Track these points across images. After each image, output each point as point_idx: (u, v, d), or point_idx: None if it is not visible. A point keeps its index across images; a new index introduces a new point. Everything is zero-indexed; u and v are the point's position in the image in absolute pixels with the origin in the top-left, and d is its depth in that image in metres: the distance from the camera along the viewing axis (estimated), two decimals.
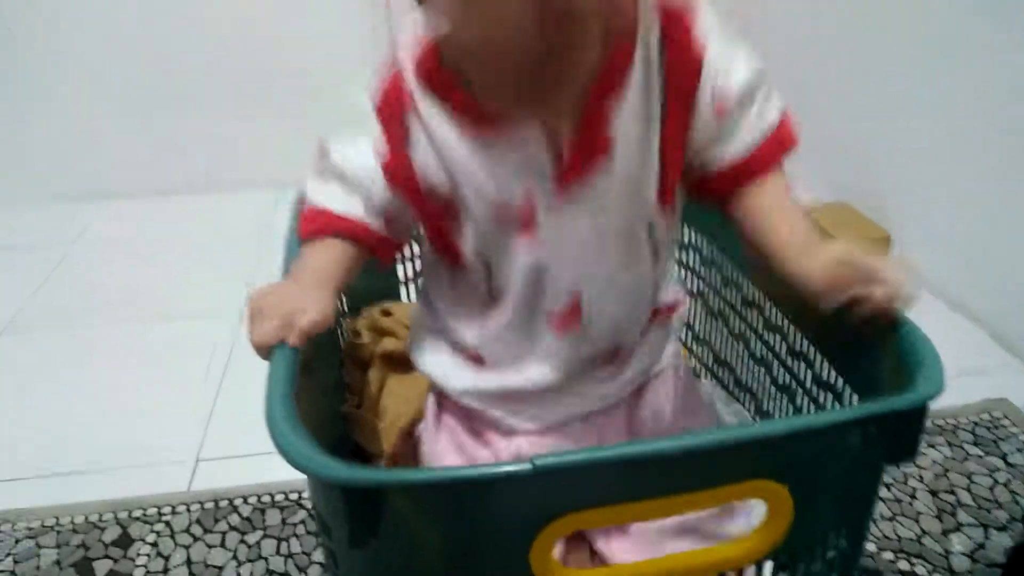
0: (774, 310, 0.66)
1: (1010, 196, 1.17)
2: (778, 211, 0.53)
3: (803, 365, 0.62)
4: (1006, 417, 1.04)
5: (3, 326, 1.35)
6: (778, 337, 0.66)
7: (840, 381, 0.56)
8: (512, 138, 0.49)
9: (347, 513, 0.37)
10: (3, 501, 0.95)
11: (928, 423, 1.03)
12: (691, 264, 0.80)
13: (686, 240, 0.80)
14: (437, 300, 0.61)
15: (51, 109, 1.80)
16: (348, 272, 0.56)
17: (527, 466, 0.35)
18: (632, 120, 0.49)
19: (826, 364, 0.58)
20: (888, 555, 0.84)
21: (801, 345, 0.62)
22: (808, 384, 0.61)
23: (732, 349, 0.77)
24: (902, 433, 0.41)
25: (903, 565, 0.82)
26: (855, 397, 0.53)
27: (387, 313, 0.94)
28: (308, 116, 1.80)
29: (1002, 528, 0.87)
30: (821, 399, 0.59)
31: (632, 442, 0.38)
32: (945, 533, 0.87)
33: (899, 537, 0.86)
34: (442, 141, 0.51)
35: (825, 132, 1.63)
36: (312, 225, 0.57)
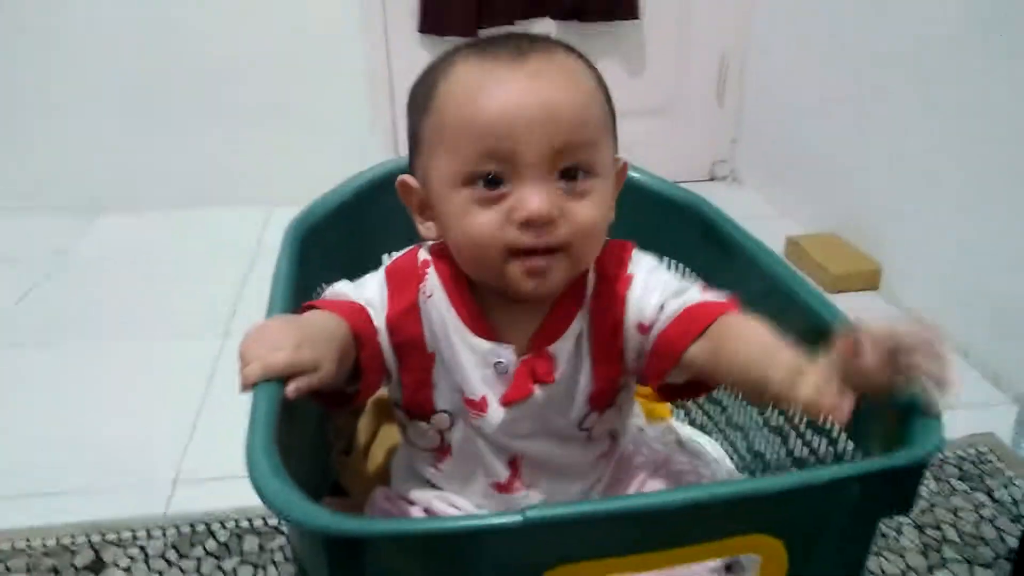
0: None
1: (999, 230, 1.17)
2: (730, 351, 0.53)
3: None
4: (992, 452, 1.04)
5: None
6: None
7: (834, 424, 0.55)
8: (490, 348, 0.58)
9: (328, 561, 0.35)
10: None
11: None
12: None
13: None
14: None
15: (40, 122, 1.79)
16: (338, 347, 0.54)
17: (517, 518, 0.33)
18: (571, 352, 0.59)
19: None
20: None
21: None
22: (802, 427, 0.60)
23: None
24: (900, 487, 0.40)
25: None
26: (849, 441, 0.52)
27: None
28: (298, 137, 1.82)
29: (987, 565, 0.86)
30: (815, 443, 0.58)
31: (625, 496, 0.37)
32: (931, 569, 0.86)
33: (884, 572, 0.86)
34: (437, 315, 0.59)
35: (815, 164, 1.65)
36: (317, 302, 0.59)
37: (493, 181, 0.52)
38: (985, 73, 1.17)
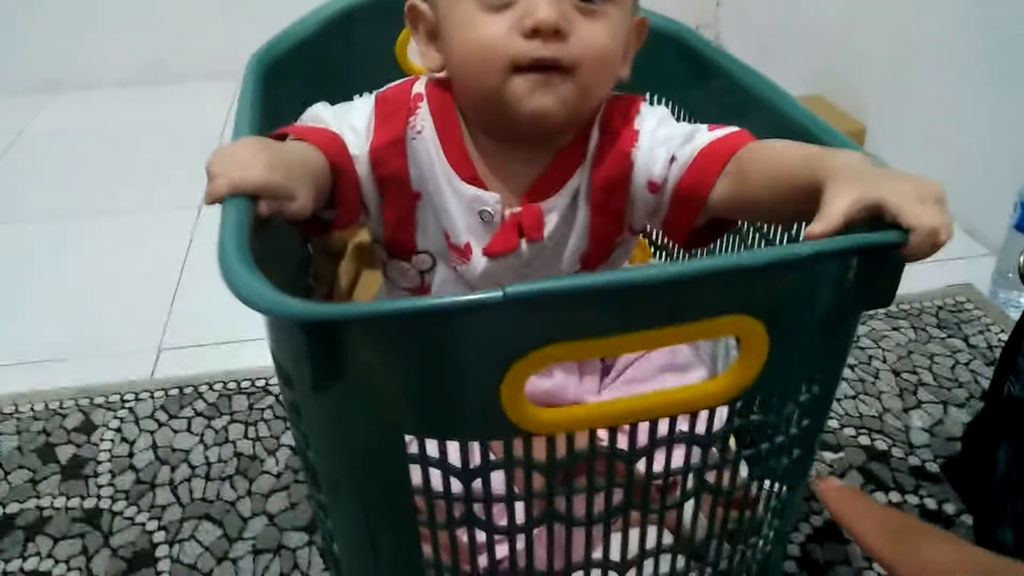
0: None
1: (983, 90, 1.16)
2: (758, 175, 0.50)
3: (779, 229, 0.61)
4: (969, 301, 1.06)
5: None
6: None
7: None
8: (475, 195, 0.56)
9: (308, 353, 0.35)
10: None
11: (893, 308, 1.04)
12: None
13: None
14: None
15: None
16: (313, 177, 0.51)
17: (498, 294, 0.33)
18: (564, 211, 0.57)
19: (804, 226, 0.57)
20: (850, 431, 0.86)
21: None
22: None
23: None
24: (882, 274, 0.39)
25: (863, 440, 0.84)
26: None
27: None
28: (263, 6, 1.73)
29: (961, 405, 0.89)
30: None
31: (607, 272, 0.36)
32: (906, 410, 0.89)
33: (861, 414, 0.88)
34: (425, 153, 0.57)
35: (800, 25, 1.61)
36: (290, 128, 0.56)
37: None
38: None
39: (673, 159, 0.54)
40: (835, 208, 0.38)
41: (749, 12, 1.82)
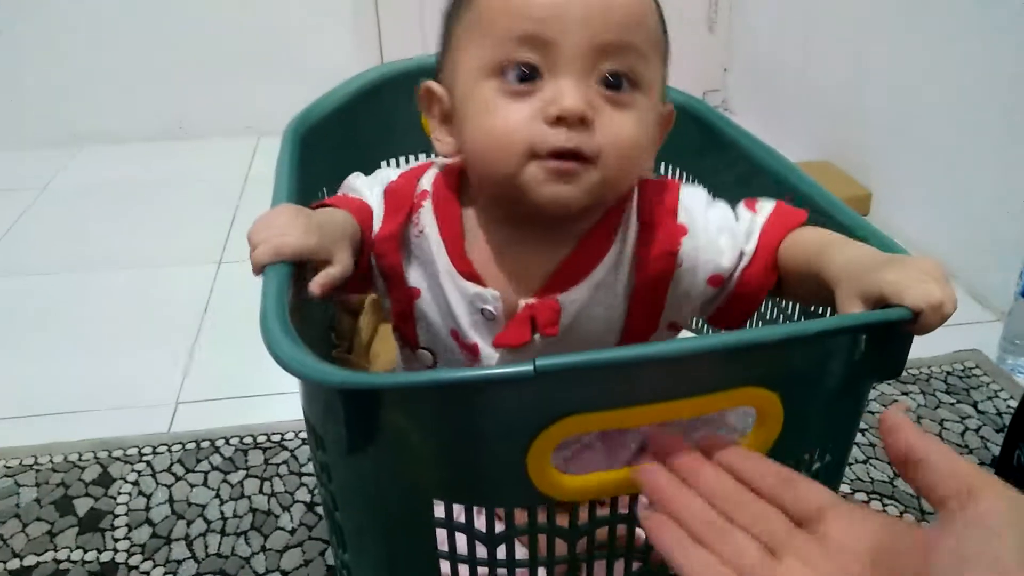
0: None
1: (987, 154, 1.19)
2: (815, 254, 0.49)
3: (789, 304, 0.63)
4: (978, 367, 1.07)
5: None
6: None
7: (828, 312, 0.57)
8: (474, 293, 0.54)
9: (344, 418, 0.37)
10: None
11: (903, 373, 1.05)
12: None
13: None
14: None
15: (26, 55, 1.75)
16: (350, 240, 0.53)
17: (528, 368, 0.35)
18: (583, 296, 0.54)
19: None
20: (861, 496, 0.86)
21: None
22: (796, 318, 0.62)
23: None
24: (890, 347, 0.41)
25: (875, 505, 0.85)
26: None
27: None
28: (282, 64, 1.80)
29: None
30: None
31: (630, 346, 0.38)
32: None
33: (872, 479, 0.89)
34: (427, 252, 0.56)
35: (807, 93, 1.65)
36: (327, 200, 0.58)
37: (527, 74, 0.47)
38: (979, 3, 1.17)
39: (741, 254, 0.54)
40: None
41: (757, 78, 1.87)
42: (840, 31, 1.50)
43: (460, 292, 0.55)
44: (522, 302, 0.54)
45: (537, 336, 0.53)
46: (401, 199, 0.57)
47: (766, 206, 0.55)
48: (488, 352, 0.55)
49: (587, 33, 0.47)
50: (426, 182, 0.58)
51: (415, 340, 0.60)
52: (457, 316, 0.55)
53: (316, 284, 0.47)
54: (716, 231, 0.54)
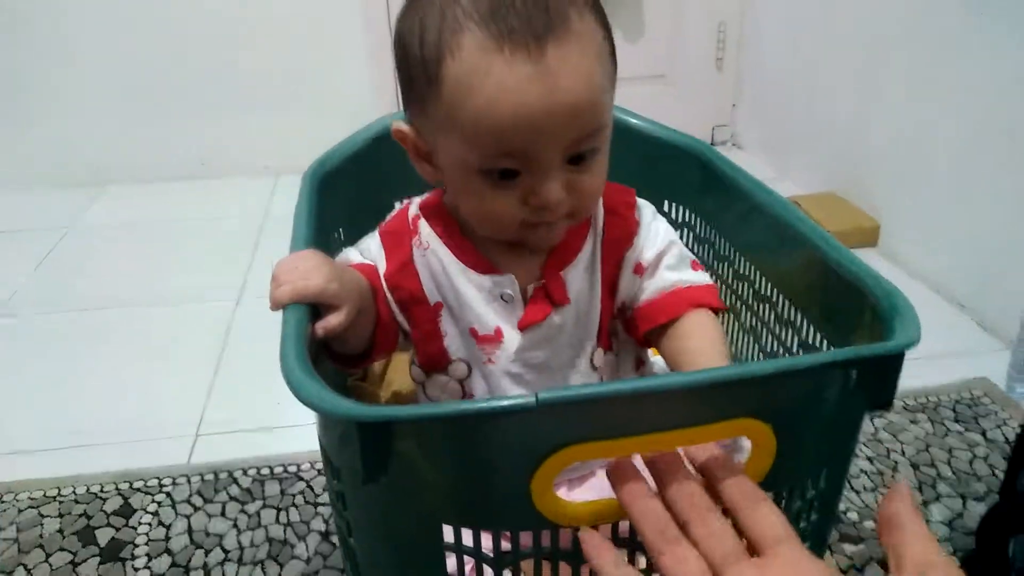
0: (763, 280, 0.68)
1: (995, 186, 1.20)
2: (688, 352, 0.59)
3: (790, 331, 0.65)
4: (986, 395, 1.08)
5: (0, 307, 1.37)
6: (767, 307, 0.68)
7: (825, 344, 0.59)
8: (492, 281, 0.60)
9: (359, 450, 0.39)
10: (5, 473, 0.97)
11: (911, 401, 1.06)
12: (686, 242, 0.82)
13: (681, 219, 0.83)
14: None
15: (49, 96, 1.82)
16: (360, 296, 0.57)
17: (531, 400, 0.37)
18: (582, 277, 0.62)
19: (811, 329, 0.61)
20: (870, 523, 0.87)
21: (788, 313, 0.65)
22: (795, 349, 0.64)
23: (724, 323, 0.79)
24: (881, 379, 0.43)
25: None
26: (825, 342, 0.57)
27: None
28: (301, 104, 1.85)
29: (980, 499, 0.90)
30: (788, 343, 0.64)
31: (630, 380, 0.41)
32: (925, 504, 0.90)
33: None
34: (437, 263, 0.61)
35: (814, 127, 1.67)
36: None
37: (509, 174, 0.53)
38: (984, 35, 1.19)
39: (660, 260, 0.63)
40: None
41: (765, 113, 1.90)
42: (847, 65, 1.53)
43: (477, 286, 0.60)
44: (530, 287, 0.61)
45: (553, 310, 0.60)
46: (399, 233, 0.63)
47: (703, 275, 0.63)
48: (511, 335, 0.61)
49: (561, 140, 0.52)
50: (414, 210, 0.64)
51: (446, 356, 0.63)
52: (476, 309, 0.60)
53: (320, 327, 0.51)
54: (656, 231, 0.64)
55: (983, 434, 1.01)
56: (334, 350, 0.59)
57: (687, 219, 0.82)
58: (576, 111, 0.50)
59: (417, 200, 0.65)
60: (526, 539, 0.43)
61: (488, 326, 0.61)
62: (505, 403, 0.37)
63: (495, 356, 0.62)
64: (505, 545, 0.43)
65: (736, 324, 0.76)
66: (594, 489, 0.62)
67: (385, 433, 0.39)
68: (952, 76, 1.26)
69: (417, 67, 0.52)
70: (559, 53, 0.49)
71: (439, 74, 0.50)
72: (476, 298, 0.61)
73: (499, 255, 0.61)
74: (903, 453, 0.98)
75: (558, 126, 0.50)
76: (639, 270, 0.63)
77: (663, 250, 0.63)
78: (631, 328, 0.64)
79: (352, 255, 0.63)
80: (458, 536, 0.43)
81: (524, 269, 0.61)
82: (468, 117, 0.50)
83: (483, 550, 0.43)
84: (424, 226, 0.62)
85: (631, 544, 0.43)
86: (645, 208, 0.65)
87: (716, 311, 0.62)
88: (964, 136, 1.25)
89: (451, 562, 0.44)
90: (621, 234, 0.63)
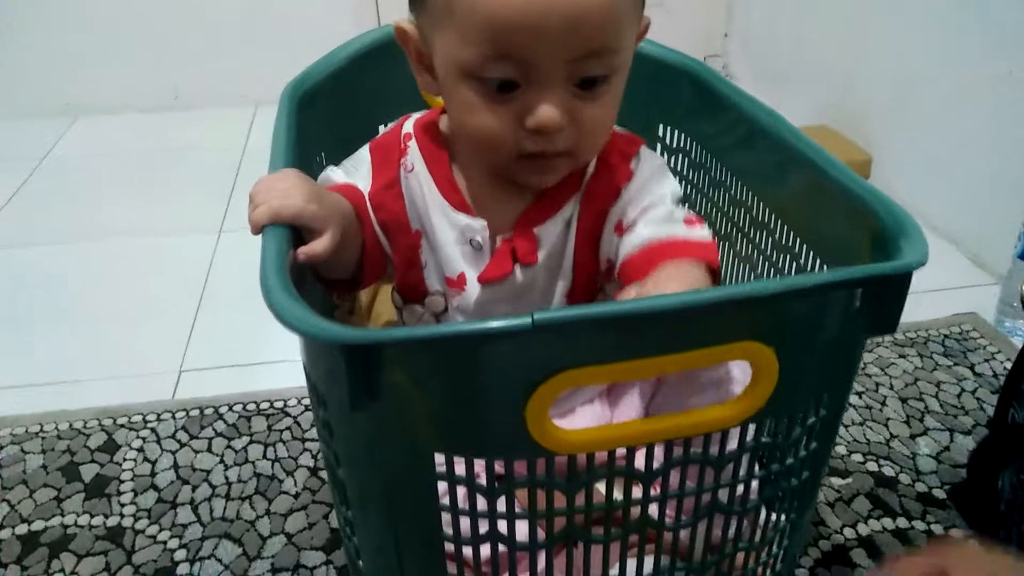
0: (762, 207, 0.66)
1: (989, 120, 1.18)
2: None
3: (788, 258, 0.63)
4: (975, 330, 1.08)
5: None
6: (764, 233, 0.66)
7: (826, 269, 0.57)
8: (464, 223, 0.57)
9: (345, 375, 0.37)
10: None
11: (900, 336, 1.06)
12: (680, 168, 0.80)
13: (675, 144, 0.80)
14: None
15: (24, 25, 1.74)
16: (343, 219, 0.54)
17: (527, 320, 0.35)
18: (558, 233, 0.58)
19: (811, 254, 0.59)
20: (858, 457, 0.87)
21: (787, 239, 0.63)
22: (768, 251, 0.62)
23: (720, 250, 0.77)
24: (885, 301, 0.41)
25: (871, 466, 0.86)
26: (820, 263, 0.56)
27: None
28: (280, 33, 1.78)
29: (967, 432, 0.91)
30: (783, 267, 0.62)
31: (626, 301, 0.39)
32: (913, 437, 0.90)
33: (868, 441, 0.90)
34: (418, 188, 0.58)
35: (806, 56, 1.64)
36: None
37: (506, 86, 0.48)
38: None
39: (643, 216, 0.54)
40: None
41: (756, 44, 1.86)
42: None
43: (451, 223, 0.57)
44: (499, 238, 0.57)
45: (517, 267, 0.57)
46: (388, 149, 0.60)
47: (698, 231, 0.54)
48: (473, 284, 0.58)
49: (563, 49, 0.47)
50: (408, 126, 0.61)
51: (423, 286, 0.60)
52: (446, 247, 0.58)
53: (302, 253, 0.48)
54: (651, 188, 0.57)
55: (971, 368, 1.01)
56: (321, 275, 0.57)
57: (681, 143, 0.79)
58: (583, 15, 0.45)
59: (415, 116, 0.61)
60: (520, 467, 0.41)
61: (454, 269, 0.58)
62: (499, 324, 0.35)
63: (456, 300, 0.59)
64: (499, 471, 0.42)
65: (731, 252, 0.74)
66: (593, 420, 0.61)
67: (373, 357, 0.37)
68: (945, 8, 1.23)
69: None
70: None
71: None
72: (447, 236, 0.58)
73: (481, 193, 0.57)
74: (891, 387, 0.98)
75: (561, 29, 0.45)
76: (619, 229, 0.56)
77: (649, 205, 0.56)
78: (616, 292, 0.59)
79: (335, 175, 0.60)
80: (450, 465, 0.41)
81: (502, 214, 0.57)
82: (463, 3, 0.47)
83: (476, 479, 0.42)
84: (413, 146, 0.59)
85: (627, 473, 0.42)
86: (646, 160, 0.59)
87: (710, 271, 0.51)
88: (958, 70, 1.22)
89: (441, 489, 0.43)
90: (606, 186, 0.57)
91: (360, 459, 0.44)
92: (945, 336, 1.07)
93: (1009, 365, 1.00)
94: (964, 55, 1.21)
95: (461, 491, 0.42)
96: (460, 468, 0.41)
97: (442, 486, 0.42)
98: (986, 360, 1.02)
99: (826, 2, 1.54)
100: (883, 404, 0.95)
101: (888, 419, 0.93)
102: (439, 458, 0.42)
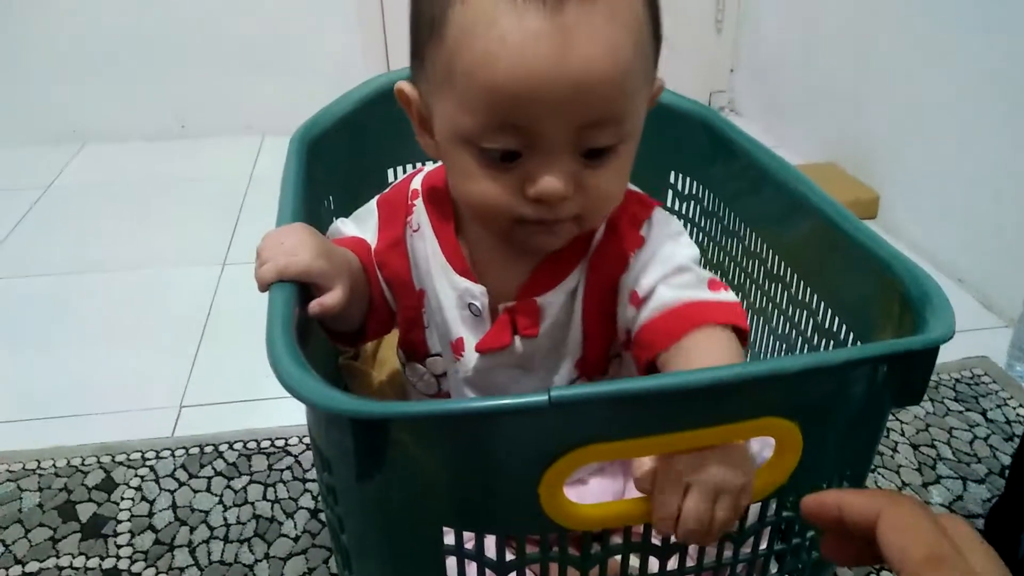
0: (776, 259, 0.65)
1: (998, 159, 1.17)
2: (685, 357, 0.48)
3: (804, 313, 0.62)
4: (986, 374, 1.06)
5: None
6: (779, 286, 0.65)
7: (843, 329, 0.56)
8: (464, 288, 0.55)
9: (353, 447, 0.36)
10: None
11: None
12: (692, 216, 0.79)
13: (687, 191, 0.79)
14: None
15: (31, 51, 1.74)
16: (351, 273, 0.53)
17: (543, 398, 0.34)
18: (564, 303, 0.54)
19: (828, 312, 0.58)
20: None
21: (803, 294, 0.62)
22: (808, 333, 0.61)
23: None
24: (911, 375, 0.40)
25: None
26: (858, 343, 0.53)
27: None
28: (289, 64, 1.79)
29: (980, 481, 0.89)
30: (821, 348, 0.59)
31: (647, 377, 0.38)
32: (925, 485, 0.88)
33: (880, 488, 0.88)
34: (423, 248, 0.57)
35: (814, 94, 1.63)
36: None
37: (508, 156, 0.45)
38: (984, 5, 1.16)
39: (657, 285, 0.51)
40: None
41: (763, 79, 1.85)
42: (846, 33, 1.49)
43: (451, 286, 0.55)
44: (501, 306, 0.55)
45: (517, 338, 0.54)
46: (395, 206, 0.58)
47: (724, 294, 0.52)
48: (471, 352, 0.56)
49: (568, 119, 0.44)
50: (416, 182, 0.59)
51: (426, 347, 0.59)
52: (447, 311, 0.56)
53: (315, 305, 0.47)
54: (663, 255, 0.53)
55: (983, 414, 0.99)
56: (327, 327, 0.55)
57: (694, 190, 0.78)
58: (589, 84, 0.42)
59: (425, 171, 0.59)
60: (531, 543, 0.40)
61: (453, 333, 0.56)
62: (515, 402, 0.34)
63: (454, 365, 0.57)
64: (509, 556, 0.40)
65: (745, 304, 0.73)
66: (585, 499, 0.59)
67: (382, 431, 0.36)
68: (954, 44, 1.22)
69: (426, 11, 0.46)
70: (581, 11, 0.41)
71: (444, 18, 0.44)
72: (448, 300, 0.56)
73: (484, 257, 0.55)
74: (903, 433, 0.96)
75: (565, 99, 0.42)
76: (635, 300, 0.52)
77: (666, 272, 0.52)
78: (635, 360, 0.54)
79: (345, 227, 0.59)
80: (459, 539, 0.40)
81: (504, 281, 0.55)
82: (463, 70, 0.43)
83: (486, 555, 0.40)
84: (420, 205, 0.57)
85: (643, 548, 0.41)
86: (659, 226, 0.54)
87: (738, 334, 0.49)
88: (966, 107, 1.22)
89: (451, 564, 0.41)
90: (614, 254, 0.53)
91: (364, 528, 0.42)
92: (956, 380, 1.05)
93: (1022, 411, 0.98)
94: (974, 93, 1.20)
95: (470, 566, 0.41)
96: (469, 543, 0.40)
97: (451, 560, 0.41)
98: (998, 406, 1.01)
99: (833, 38, 1.54)
100: (894, 450, 0.94)
101: (900, 466, 0.91)
102: (448, 532, 0.40)
